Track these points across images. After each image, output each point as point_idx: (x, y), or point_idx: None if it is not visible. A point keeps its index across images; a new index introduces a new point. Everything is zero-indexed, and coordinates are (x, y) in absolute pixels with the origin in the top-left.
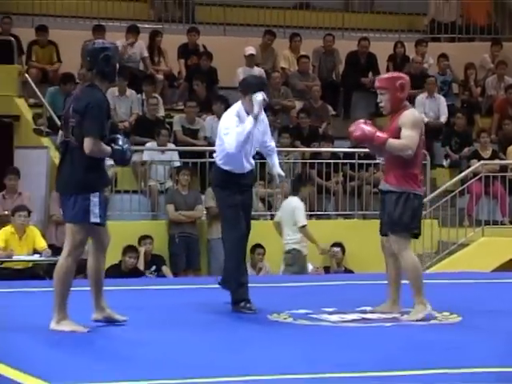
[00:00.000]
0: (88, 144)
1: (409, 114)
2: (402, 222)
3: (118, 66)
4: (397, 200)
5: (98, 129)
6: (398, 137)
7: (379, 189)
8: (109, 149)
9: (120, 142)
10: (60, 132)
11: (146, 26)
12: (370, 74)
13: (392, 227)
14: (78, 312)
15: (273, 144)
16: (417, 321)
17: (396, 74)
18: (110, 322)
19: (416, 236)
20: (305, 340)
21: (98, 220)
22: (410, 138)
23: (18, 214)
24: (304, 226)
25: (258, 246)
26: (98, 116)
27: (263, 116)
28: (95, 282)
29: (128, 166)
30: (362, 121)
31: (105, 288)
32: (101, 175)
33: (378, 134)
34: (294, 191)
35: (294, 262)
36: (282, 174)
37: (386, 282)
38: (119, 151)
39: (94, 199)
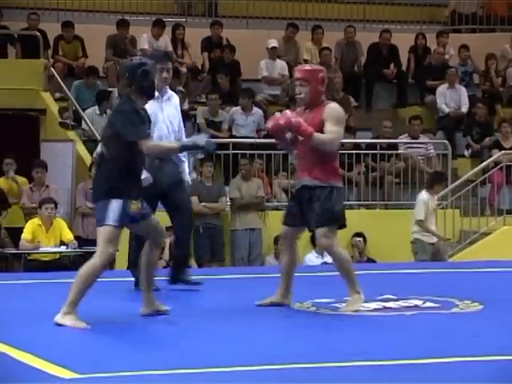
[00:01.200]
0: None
1: (335, 109)
2: (335, 215)
3: (156, 82)
4: (329, 194)
5: (133, 130)
6: (320, 130)
7: (303, 185)
8: (171, 145)
9: (198, 138)
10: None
11: (170, 19)
12: (392, 66)
13: (325, 221)
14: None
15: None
16: (354, 311)
17: (316, 66)
18: (158, 314)
19: (342, 227)
20: (327, 329)
21: (111, 223)
22: (336, 133)
23: (45, 206)
24: (420, 221)
25: None
26: (127, 120)
27: (175, 99)
28: (145, 275)
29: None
30: (288, 111)
31: (127, 279)
32: (129, 186)
33: (305, 126)
34: (428, 186)
35: (417, 250)
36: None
37: (279, 274)
38: (193, 145)
39: (116, 204)
